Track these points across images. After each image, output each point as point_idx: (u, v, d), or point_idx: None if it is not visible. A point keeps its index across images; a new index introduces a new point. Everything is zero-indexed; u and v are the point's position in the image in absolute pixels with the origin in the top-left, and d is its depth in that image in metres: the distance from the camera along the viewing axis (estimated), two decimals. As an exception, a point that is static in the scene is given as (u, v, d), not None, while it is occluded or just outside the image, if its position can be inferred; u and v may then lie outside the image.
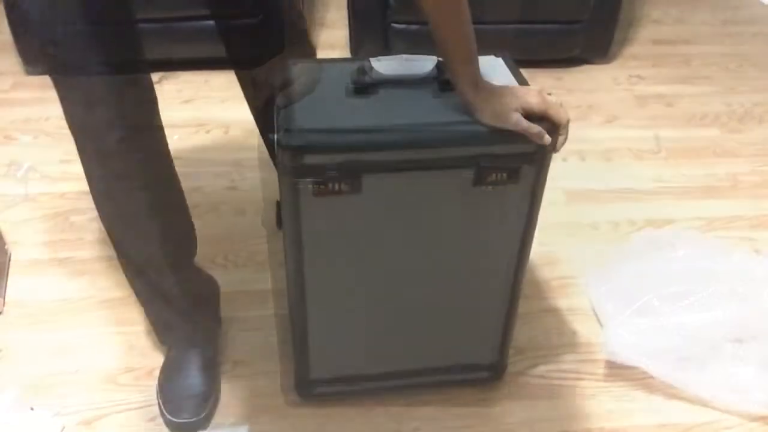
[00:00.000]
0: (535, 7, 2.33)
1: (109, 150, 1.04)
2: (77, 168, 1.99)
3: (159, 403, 1.28)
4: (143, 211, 1.12)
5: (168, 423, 1.26)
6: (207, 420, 1.26)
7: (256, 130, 2.08)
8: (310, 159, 0.97)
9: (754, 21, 2.88)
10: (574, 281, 1.59)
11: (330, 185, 0.99)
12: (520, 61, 1.16)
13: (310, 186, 0.99)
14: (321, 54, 2.48)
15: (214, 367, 1.33)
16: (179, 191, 1.20)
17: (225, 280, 1.56)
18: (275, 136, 0.96)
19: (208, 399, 1.28)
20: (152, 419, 1.27)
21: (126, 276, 1.25)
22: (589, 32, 2.38)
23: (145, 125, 1.07)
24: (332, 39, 2.45)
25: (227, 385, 1.34)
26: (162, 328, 1.34)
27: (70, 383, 1.33)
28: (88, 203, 1.79)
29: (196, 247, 1.29)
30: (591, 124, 2.18)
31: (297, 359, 1.23)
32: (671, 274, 1.49)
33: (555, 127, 0.99)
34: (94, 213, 1.75)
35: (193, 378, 1.28)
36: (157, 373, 1.34)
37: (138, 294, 1.28)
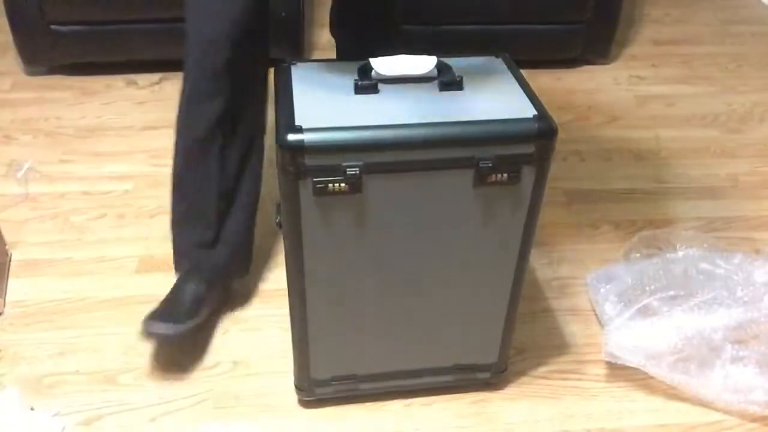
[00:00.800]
0: (536, 8, 2.33)
1: (215, 49, 1.20)
2: (77, 168, 2.00)
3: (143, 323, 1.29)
4: (220, 134, 1.25)
5: (143, 331, 1.28)
6: (181, 338, 1.30)
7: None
8: (310, 159, 0.97)
9: (754, 21, 2.88)
10: (574, 281, 1.59)
11: (330, 185, 0.99)
12: (521, 61, 1.16)
13: (310, 186, 0.99)
14: (321, 55, 2.49)
15: (202, 306, 1.35)
16: (261, 138, 1.35)
17: (225, 280, 1.57)
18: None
19: (188, 319, 1.30)
20: (152, 419, 1.27)
21: (172, 197, 1.35)
22: (590, 32, 2.39)
23: (251, 51, 1.22)
24: (333, 39, 2.45)
25: (227, 385, 1.34)
26: (180, 254, 1.39)
27: (70, 383, 1.33)
28: (88, 203, 1.81)
29: (256, 201, 1.40)
30: (591, 124, 2.18)
31: (297, 359, 1.23)
32: (671, 275, 1.49)
33: None
34: (94, 213, 1.76)
35: (181, 302, 1.33)
36: (157, 373, 1.35)
37: (175, 215, 1.37)
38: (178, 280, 1.37)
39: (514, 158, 1.01)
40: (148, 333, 1.27)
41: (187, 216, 1.36)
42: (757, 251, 1.66)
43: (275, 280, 1.57)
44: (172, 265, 1.40)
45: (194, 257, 1.37)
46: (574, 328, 1.48)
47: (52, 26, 2.20)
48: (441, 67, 1.08)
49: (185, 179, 1.33)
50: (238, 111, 1.27)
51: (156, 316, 1.28)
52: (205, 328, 1.43)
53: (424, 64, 1.08)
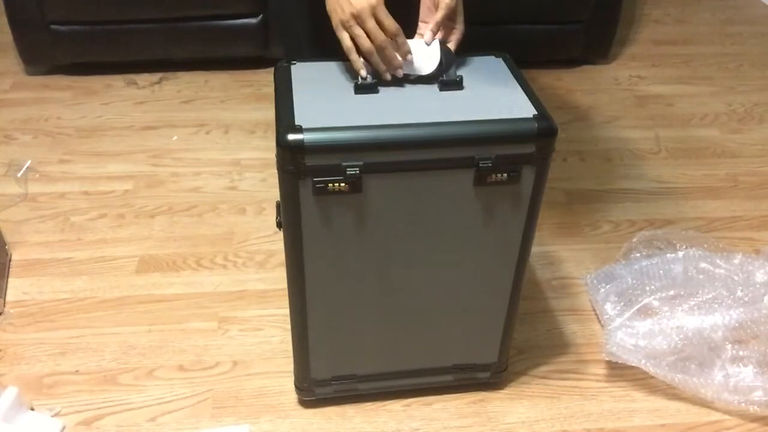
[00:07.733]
0: (536, 8, 2.33)
1: None
2: (77, 168, 2.00)
3: None
4: None
5: None
6: None
7: (256, 131, 2.10)
8: (310, 159, 0.97)
9: (754, 21, 2.89)
10: (574, 281, 1.59)
11: (330, 185, 0.99)
12: (521, 61, 1.16)
13: (310, 186, 0.99)
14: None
15: None
16: None
17: (225, 280, 1.57)
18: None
19: None
20: (152, 419, 1.27)
21: None
22: (590, 32, 2.39)
23: None
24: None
25: (227, 385, 1.34)
26: None
27: (70, 383, 1.33)
28: (88, 203, 1.81)
29: None
30: (591, 124, 2.18)
31: (297, 359, 1.23)
32: (671, 275, 1.49)
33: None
34: (94, 213, 1.77)
35: None
36: (157, 373, 1.35)
37: None
38: None
39: (514, 158, 1.01)
40: None
41: None
42: (757, 251, 1.66)
43: (275, 280, 1.57)
44: None
45: None
46: (574, 328, 1.48)
47: (52, 26, 2.20)
48: (441, 67, 1.08)
49: None
50: None
51: None
52: (203, 329, 1.43)
53: (424, 63, 1.08)
